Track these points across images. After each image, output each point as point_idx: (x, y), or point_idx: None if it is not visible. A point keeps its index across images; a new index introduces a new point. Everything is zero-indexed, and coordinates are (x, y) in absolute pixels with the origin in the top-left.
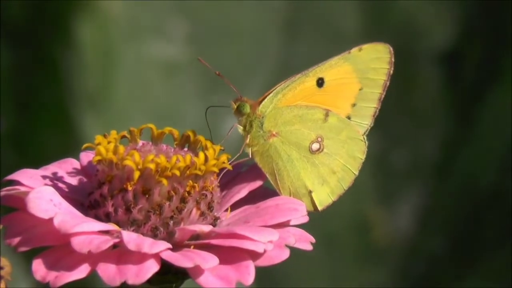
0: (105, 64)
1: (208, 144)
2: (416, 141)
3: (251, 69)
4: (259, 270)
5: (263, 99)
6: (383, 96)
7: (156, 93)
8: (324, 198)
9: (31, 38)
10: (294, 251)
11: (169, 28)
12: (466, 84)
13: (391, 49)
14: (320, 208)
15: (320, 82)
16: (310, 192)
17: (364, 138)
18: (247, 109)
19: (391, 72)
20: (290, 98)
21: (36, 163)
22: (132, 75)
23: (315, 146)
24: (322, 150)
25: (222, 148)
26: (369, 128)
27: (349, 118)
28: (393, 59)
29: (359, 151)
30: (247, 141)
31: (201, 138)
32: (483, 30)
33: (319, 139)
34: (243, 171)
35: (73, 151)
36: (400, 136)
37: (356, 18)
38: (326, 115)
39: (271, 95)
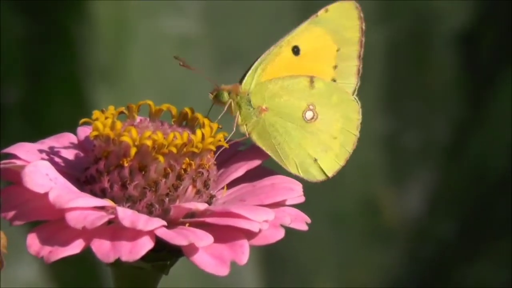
0: (119, 38)
1: (206, 121)
2: (428, 123)
3: (263, 46)
4: (266, 251)
5: (243, 78)
6: (361, 52)
7: (169, 67)
8: (331, 163)
9: (46, 9)
10: (298, 232)
11: (183, 3)
12: (480, 67)
13: (358, 4)
14: (330, 174)
15: (295, 50)
16: (315, 160)
17: (355, 98)
18: (225, 96)
19: (364, 27)
20: (270, 72)
21: (47, 136)
22: (146, 50)
23: (309, 114)
24: (317, 117)
25: (220, 126)
26: (357, 86)
27: (334, 81)
28: (361, 14)
29: (353, 112)
30: (239, 121)
31: (199, 115)
32: (498, 14)
33: (311, 107)
34: (242, 150)
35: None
36: (413, 118)
37: (372, 0)
38: (312, 81)
39: (250, 71)
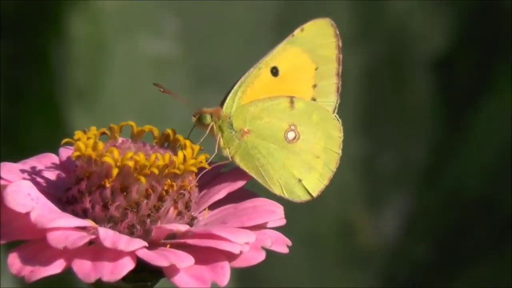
0: (96, 58)
1: (187, 143)
2: (405, 146)
3: (241, 67)
4: (242, 271)
5: (224, 101)
6: (340, 70)
7: (146, 89)
8: (315, 183)
9: (23, 30)
10: (277, 254)
11: (160, 24)
12: (457, 90)
13: (333, 22)
14: (314, 194)
15: (274, 71)
16: (299, 180)
17: (336, 117)
18: (208, 119)
19: (340, 44)
20: (250, 94)
21: (24, 155)
22: (123, 70)
23: (291, 134)
24: (299, 137)
25: (202, 148)
26: (337, 105)
27: (313, 100)
28: (337, 32)
29: (335, 130)
30: (222, 144)
31: (180, 137)
32: (476, 37)
33: (293, 127)
34: (224, 172)
35: (61, 144)
36: (389, 141)
37: (348, 22)
38: (291, 102)
39: (230, 94)
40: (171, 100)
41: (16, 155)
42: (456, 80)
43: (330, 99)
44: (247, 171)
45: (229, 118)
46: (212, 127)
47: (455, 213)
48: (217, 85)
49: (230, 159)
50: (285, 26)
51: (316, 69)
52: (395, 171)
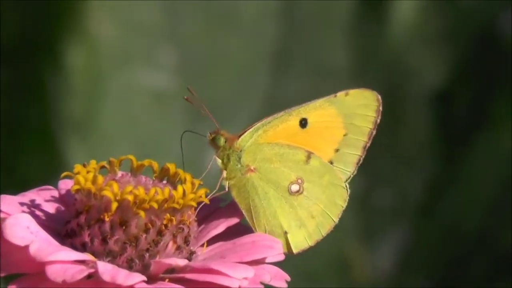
0: (93, 90)
1: (187, 177)
2: (401, 181)
3: (239, 101)
4: None
5: (243, 133)
6: (368, 144)
7: (143, 121)
8: (300, 241)
9: (19, 60)
10: None
11: (158, 56)
12: (454, 126)
13: (379, 97)
14: (295, 251)
15: (303, 123)
16: (285, 233)
17: (346, 186)
18: (221, 142)
19: (378, 121)
20: (271, 135)
21: (19, 186)
22: (120, 102)
23: (295, 187)
24: (302, 192)
25: (201, 182)
26: (352, 176)
27: (331, 163)
28: (380, 108)
29: (340, 198)
30: (224, 174)
31: (180, 171)
32: (474, 73)
33: (299, 181)
34: (222, 206)
35: (57, 176)
36: (385, 175)
37: (346, 56)
38: (308, 157)
39: (251, 130)
40: (167, 133)
41: (11, 186)
42: (453, 115)
43: (348, 168)
44: (239, 204)
45: (240, 151)
46: (220, 151)
47: (452, 248)
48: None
49: (227, 189)
50: (282, 59)
51: (345, 135)
52: (391, 206)
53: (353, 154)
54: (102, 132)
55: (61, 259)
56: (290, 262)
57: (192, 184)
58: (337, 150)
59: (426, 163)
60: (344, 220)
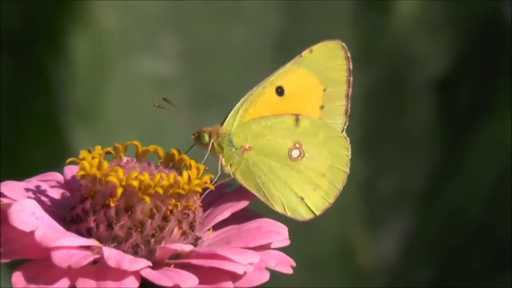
0: (97, 78)
1: (192, 163)
2: (405, 168)
3: (241, 88)
4: None
5: (224, 120)
6: (350, 92)
7: (146, 108)
8: (319, 201)
9: (24, 48)
10: (278, 274)
11: (161, 44)
12: (458, 113)
13: (343, 44)
14: (317, 212)
15: (279, 91)
16: (302, 198)
17: (344, 135)
18: (206, 138)
19: (351, 67)
20: (253, 112)
21: (24, 173)
22: (123, 90)
23: (295, 152)
24: (304, 155)
25: (207, 168)
26: (345, 127)
27: None
28: (348, 54)
29: (342, 148)
30: (223, 162)
31: (185, 157)
32: (477, 60)
33: (297, 145)
34: (228, 191)
35: (61, 163)
36: (389, 163)
37: (350, 43)
38: (297, 120)
39: (232, 112)
40: (170, 119)
41: (16, 173)
42: (456, 103)
43: (338, 120)
44: (248, 188)
45: (229, 135)
46: (212, 145)
47: (455, 236)
48: (217, 106)
49: (232, 175)
50: (285, 48)
51: (324, 90)
52: (395, 193)
53: (339, 106)
54: (106, 120)
55: (66, 244)
56: (295, 248)
57: (197, 169)
58: (322, 107)
59: (429, 150)
60: (348, 207)
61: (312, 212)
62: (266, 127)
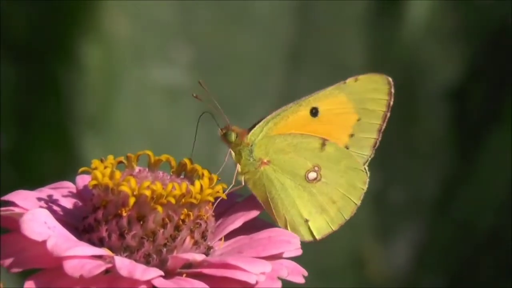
0: (108, 86)
1: (205, 173)
2: (416, 178)
3: (253, 98)
4: None
5: (253, 128)
6: (383, 127)
7: (158, 118)
8: (322, 226)
9: (35, 57)
10: (290, 285)
11: (173, 53)
12: (469, 123)
13: (390, 79)
14: (318, 237)
15: (314, 112)
16: (306, 221)
17: (365, 169)
18: (232, 137)
19: (391, 103)
20: (282, 127)
21: (34, 182)
22: (134, 99)
23: (312, 175)
24: (320, 179)
25: (219, 178)
26: (369, 159)
27: (347, 148)
28: (392, 90)
29: (360, 181)
30: (239, 169)
31: (197, 166)
32: (488, 69)
33: (316, 168)
34: (239, 201)
35: (72, 172)
36: (400, 173)
37: (361, 52)
38: (323, 144)
39: (261, 123)
40: (180, 129)
41: (27, 182)
42: (467, 112)
43: (364, 152)
44: (257, 197)
45: (251, 145)
46: (232, 147)
47: (466, 245)
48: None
49: (243, 183)
50: (297, 57)
51: (358, 120)
52: (406, 203)
53: (369, 138)
54: (117, 129)
55: (78, 254)
56: (306, 259)
57: (210, 179)
58: (351, 135)
59: (440, 159)
60: (360, 217)
61: (313, 235)
62: (291, 145)
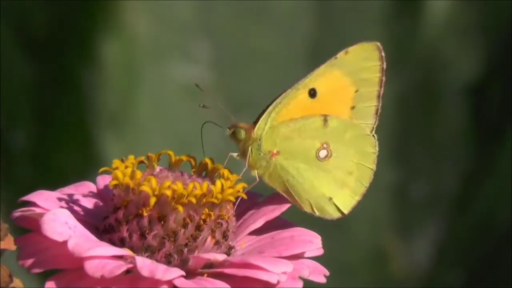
0: (128, 84)
1: (226, 172)
2: (436, 174)
3: (274, 94)
4: None
5: (257, 120)
6: (381, 92)
7: (178, 115)
8: (347, 200)
9: (55, 54)
10: (310, 283)
11: (193, 50)
12: (489, 118)
13: (379, 44)
14: (345, 211)
15: (312, 93)
16: (330, 199)
17: (372, 134)
18: (242, 134)
19: (385, 66)
20: (285, 115)
21: (55, 181)
22: (155, 96)
23: (323, 153)
24: (331, 155)
25: (240, 177)
26: (374, 126)
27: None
28: (383, 54)
29: (369, 146)
30: (250, 162)
31: (219, 166)
32: (507, 65)
33: (325, 146)
34: (260, 200)
35: (92, 170)
36: (420, 168)
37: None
38: (325, 120)
39: (264, 115)
40: (201, 125)
41: (47, 181)
42: (487, 107)
43: (368, 120)
44: (276, 189)
45: (259, 140)
46: (242, 145)
47: (487, 241)
48: (249, 112)
49: (258, 179)
50: (318, 53)
51: (356, 91)
52: (426, 199)
53: (370, 106)
54: (137, 126)
55: (99, 254)
56: (326, 255)
57: (231, 178)
58: (353, 108)
59: (461, 155)
60: (380, 213)
61: (340, 211)
62: (295, 130)
